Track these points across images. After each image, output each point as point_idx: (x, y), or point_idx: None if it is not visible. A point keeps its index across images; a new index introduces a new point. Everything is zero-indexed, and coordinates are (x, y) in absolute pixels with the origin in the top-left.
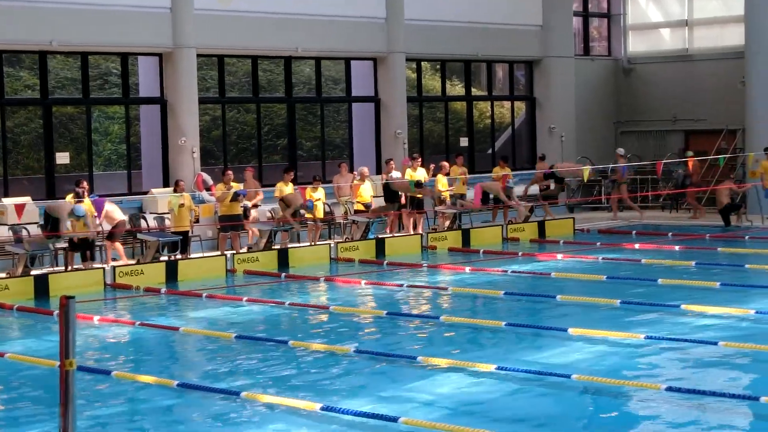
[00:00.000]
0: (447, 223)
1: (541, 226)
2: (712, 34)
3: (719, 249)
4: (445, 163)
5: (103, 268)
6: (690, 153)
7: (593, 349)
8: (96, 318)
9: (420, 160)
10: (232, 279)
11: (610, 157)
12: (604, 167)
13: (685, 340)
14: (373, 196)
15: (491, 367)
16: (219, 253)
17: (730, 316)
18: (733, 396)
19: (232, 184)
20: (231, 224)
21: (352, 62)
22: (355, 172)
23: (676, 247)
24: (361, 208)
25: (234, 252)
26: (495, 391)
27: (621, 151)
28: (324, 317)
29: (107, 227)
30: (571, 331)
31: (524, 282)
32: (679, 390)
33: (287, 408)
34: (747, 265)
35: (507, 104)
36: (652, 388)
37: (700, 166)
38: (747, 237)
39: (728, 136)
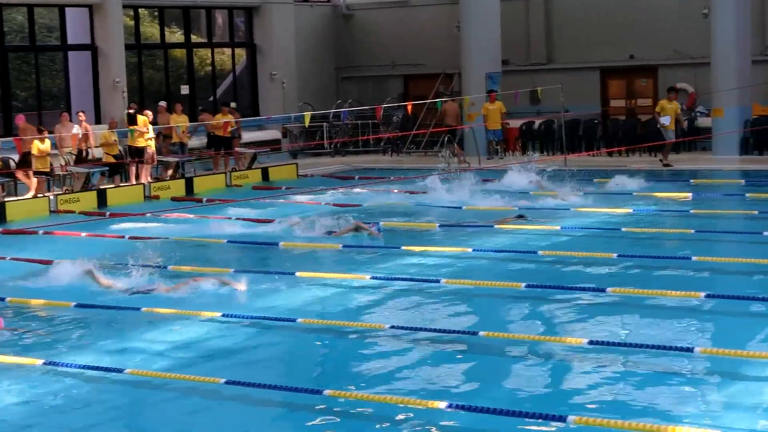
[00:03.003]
0: (170, 172)
1: (265, 172)
2: None
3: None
4: (148, 112)
5: None
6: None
7: (320, 292)
8: None
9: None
10: None
11: (332, 102)
12: (325, 112)
13: (410, 279)
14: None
15: (217, 314)
16: None
17: (450, 254)
18: (453, 332)
19: None
20: None
21: (67, 9)
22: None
23: (395, 190)
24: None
25: None
26: (224, 337)
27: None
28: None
29: None
30: (299, 274)
31: (248, 228)
32: (401, 327)
33: (6, 365)
34: (464, 207)
35: (228, 51)
36: (377, 327)
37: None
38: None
39: (445, 80)
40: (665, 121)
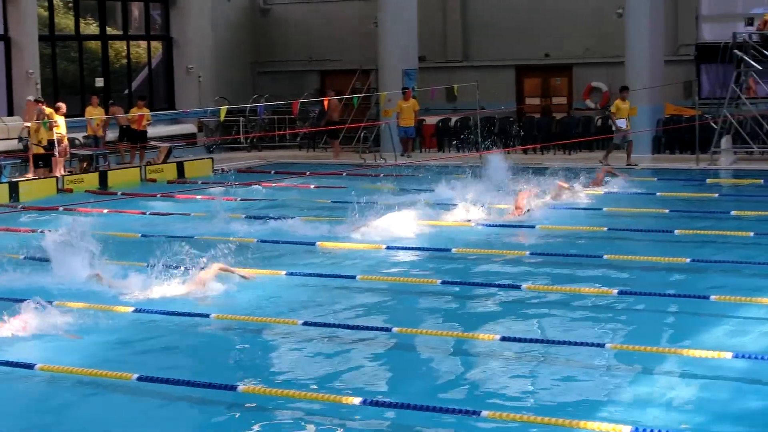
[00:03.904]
0: (84, 164)
1: (180, 166)
2: None
3: (357, 185)
4: (61, 104)
5: None
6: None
7: (234, 288)
8: None
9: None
10: None
11: (248, 97)
12: (241, 107)
13: (325, 276)
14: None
15: (129, 309)
16: None
17: (364, 251)
18: (367, 328)
19: None
20: None
21: None
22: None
23: (313, 185)
24: None
25: None
26: (137, 332)
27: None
28: None
29: None
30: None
31: (163, 223)
32: (315, 324)
33: None
34: (378, 202)
35: (143, 44)
36: (291, 323)
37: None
38: (382, 174)
39: (362, 76)
40: (622, 124)
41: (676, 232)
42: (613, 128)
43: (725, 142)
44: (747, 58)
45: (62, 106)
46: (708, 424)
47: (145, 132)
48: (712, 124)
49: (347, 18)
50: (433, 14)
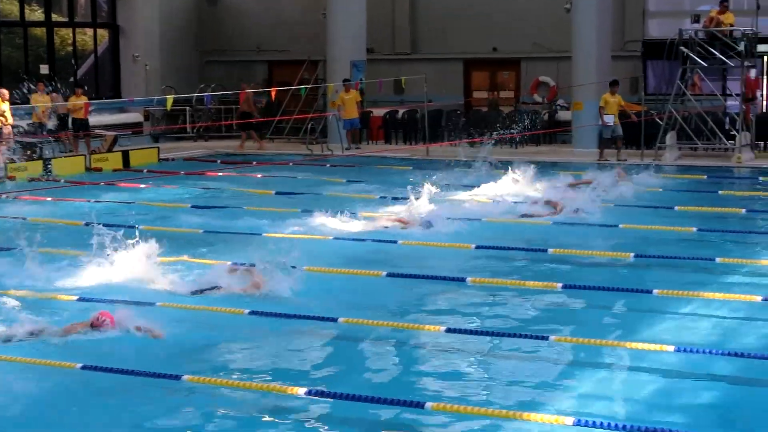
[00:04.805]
0: (28, 152)
1: (126, 155)
2: None
3: (299, 176)
4: (4, 91)
5: None
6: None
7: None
8: None
9: None
10: None
11: (195, 86)
12: (188, 96)
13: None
14: None
15: (73, 298)
16: None
17: (311, 241)
18: (312, 318)
19: None
20: None
21: None
22: None
23: (259, 175)
24: None
25: None
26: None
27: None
28: None
29: None
30: (161, 260)
31: (108, 211)
32: (262, 314)
33: None
34: (325, 193)
35: (89, 32)
36: (238, 313)
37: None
38: (328, 165)
39: (310, 66)
40: (609, 120)
41: (621, 226)
42: (599, 122)
43: (670, 138)
44: (692, 55)
45: (5, 92)
46: (649, 415)
47: (87, 121)
48: (658, 120)
49: (296, 8)
50: (383, 6)
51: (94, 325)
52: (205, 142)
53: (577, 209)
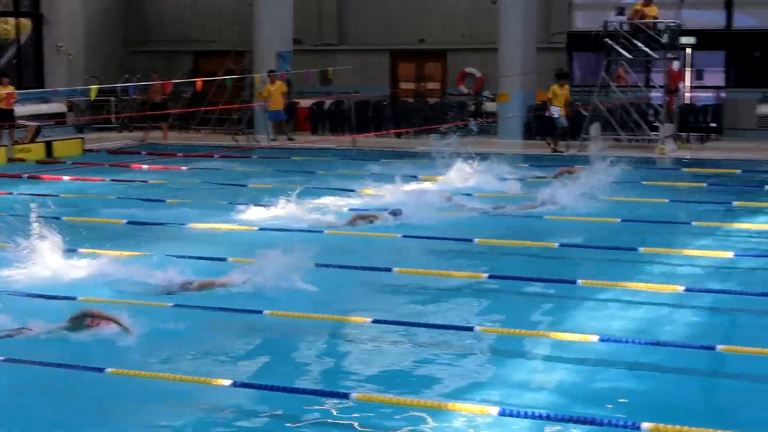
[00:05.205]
0: None
1: (49, 146)
2: None
3: (225, 167)
4: None
5: None
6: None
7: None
8: None
9: None
10: None
11: (120, 77)
12: (112, 87)
13: (196, 258)
14: None
15: None
16: None
17: (237, 232)
18: (238, 310)
19: None
20: None
21: None
22: None
23: (184, 167)
24: None
25: None
26: None
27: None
28: None
29: None
30: (81, 250)
31: (30, 203)
32: (185, 306)
33: None
34: (251, 184)
35: (12, 21)
36: (161, 306)
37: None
38: (255, 156)
39: (236, 57)
40: (555, 111)
41: (546, 217)
42: (546, 114)
43: (595, 129)
44: (617, 47)
45: None
46: (573, 405)
47: (11, 111)
48: (583, 111)
49: None
50: None
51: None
52: (130, 132)
53: (551, 202)
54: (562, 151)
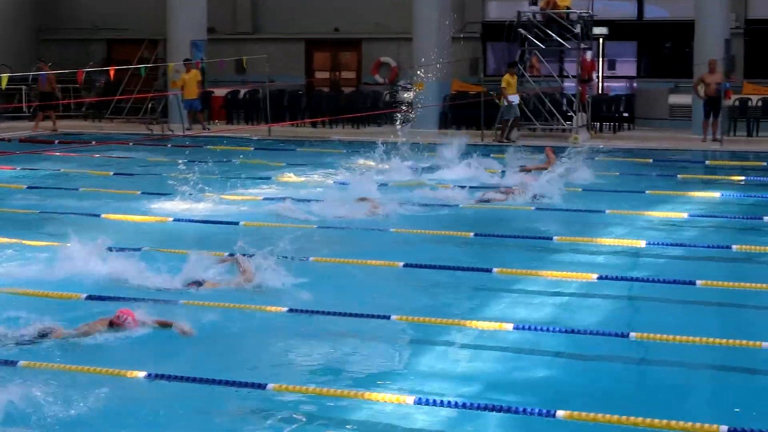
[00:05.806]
0: None
1: None
2: None
3: (138, 156)
4: None
5: None
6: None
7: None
8: None
9: None
10: None
11: (31, 65)
12: (23, 75)
13: (111, 249)
14: None
15: None
16: None
17: (151, 223)
18: (154, 301)
19: None
20: None
21: None
22: None
23: (97, 155)
24: None
25: None
26: None
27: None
28: None
29: None
30: (26, 242)
31: None
32: (100, 298)
33: None
34: (165, 173)
35: None
36: (74, 297)
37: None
38: (169, 145)
39: (150, 46)
40: (514, 99)
41: (461, 206)
42: (504, 103)
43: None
44: (530, 37)
45: None
46: (489, 393)
47: None
48: (497, 101)
49: None
50: None
51: (114, 324)
52: (42, 121)
53: (536, 195)
54: (514, 140)
